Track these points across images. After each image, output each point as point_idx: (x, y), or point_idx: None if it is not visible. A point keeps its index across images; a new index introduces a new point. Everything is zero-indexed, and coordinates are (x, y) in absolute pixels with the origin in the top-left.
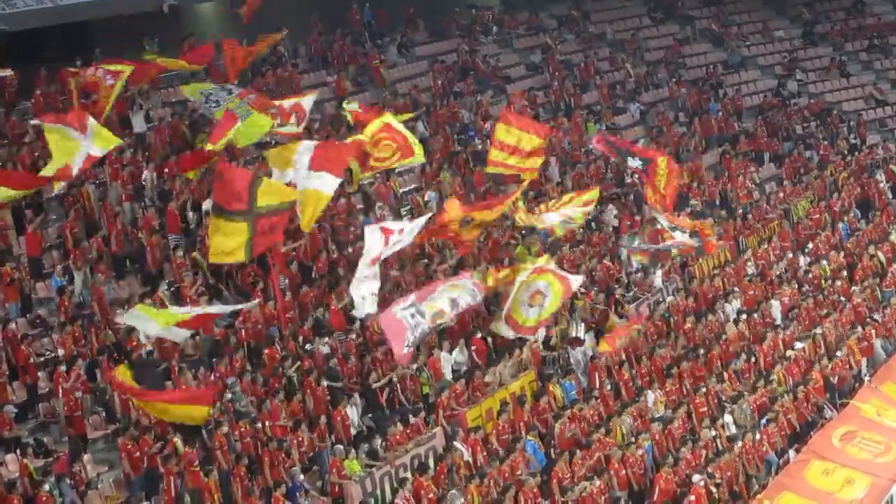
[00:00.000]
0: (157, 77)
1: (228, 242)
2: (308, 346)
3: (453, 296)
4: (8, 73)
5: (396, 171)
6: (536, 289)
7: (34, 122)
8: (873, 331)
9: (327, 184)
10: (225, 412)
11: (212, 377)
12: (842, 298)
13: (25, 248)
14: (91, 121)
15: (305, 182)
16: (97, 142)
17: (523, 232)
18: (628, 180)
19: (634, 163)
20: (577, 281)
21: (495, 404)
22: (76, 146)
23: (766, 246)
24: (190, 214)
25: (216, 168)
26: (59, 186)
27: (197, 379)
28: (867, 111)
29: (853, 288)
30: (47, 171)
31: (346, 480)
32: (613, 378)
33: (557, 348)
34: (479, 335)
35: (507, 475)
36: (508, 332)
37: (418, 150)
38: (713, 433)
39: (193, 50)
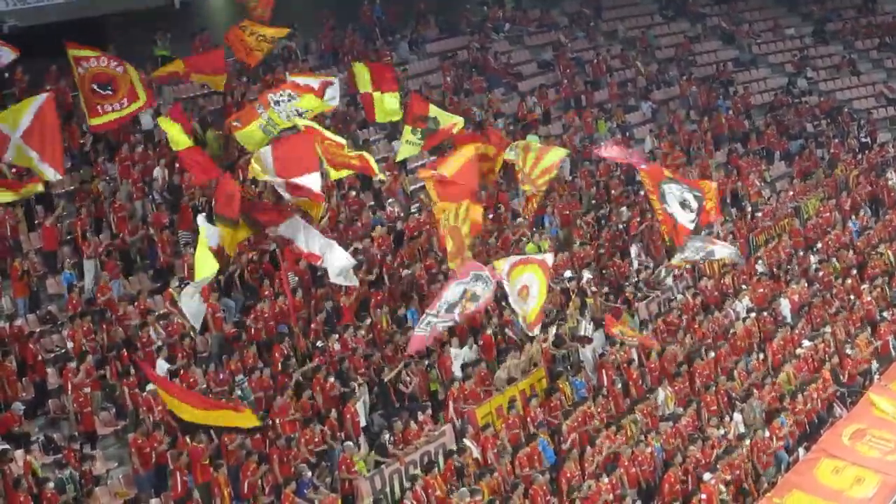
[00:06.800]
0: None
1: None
2: (319, 344)
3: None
4: None
5: (407, 168)
6: (522, 283)
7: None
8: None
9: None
10: None
11: (220, 376)
12: (852, 297)
13: (42, 242)
14: None
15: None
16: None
17: (534, 229)
18: (638, 178)
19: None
20: (549, 258)
21: (505, 401)
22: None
23: (775, 244)
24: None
25: (221, 180)
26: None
27: (207, 377)
28: (878, 109)
29: (863, 286)
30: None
31: (356, 477)
32: (623, 376)
33: (567, 346)
34: (489, 331)
35: (510, 469)
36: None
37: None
38: (722, 431)
39: (206, 56)
